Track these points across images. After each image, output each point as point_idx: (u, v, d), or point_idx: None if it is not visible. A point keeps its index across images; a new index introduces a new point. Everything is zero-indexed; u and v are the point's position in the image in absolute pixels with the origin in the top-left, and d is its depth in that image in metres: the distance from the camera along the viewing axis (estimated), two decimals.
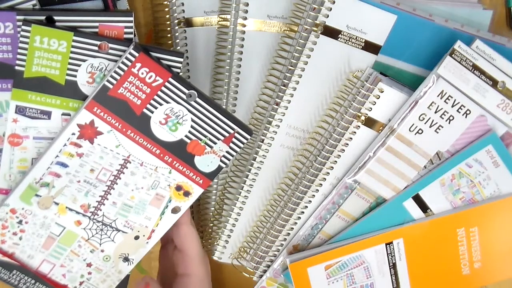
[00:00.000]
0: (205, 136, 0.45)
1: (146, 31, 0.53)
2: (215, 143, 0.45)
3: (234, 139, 0.45)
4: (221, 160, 0.46)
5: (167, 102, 0.43)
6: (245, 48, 0.51)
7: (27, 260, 0.47)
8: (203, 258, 0.48)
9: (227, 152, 0.45)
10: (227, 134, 0.45)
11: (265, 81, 0.52)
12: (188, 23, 0.51)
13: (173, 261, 0.49)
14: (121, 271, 0.49)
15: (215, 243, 0.57)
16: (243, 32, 0.51)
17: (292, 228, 0.54)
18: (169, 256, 0.50)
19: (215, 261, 0.57)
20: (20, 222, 0.46)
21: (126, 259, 0.48)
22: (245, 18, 0.50)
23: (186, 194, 0.46)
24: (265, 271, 0.56)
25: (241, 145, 0.45)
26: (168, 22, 0.51)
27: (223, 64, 0.51)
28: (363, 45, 0.49)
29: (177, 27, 0.51)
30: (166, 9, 0.50)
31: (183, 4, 0.51)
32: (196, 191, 0.46)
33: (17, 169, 0.45)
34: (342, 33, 0.48)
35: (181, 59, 0.44)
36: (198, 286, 0.47)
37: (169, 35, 0.51)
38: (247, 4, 0.50)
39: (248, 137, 0.45)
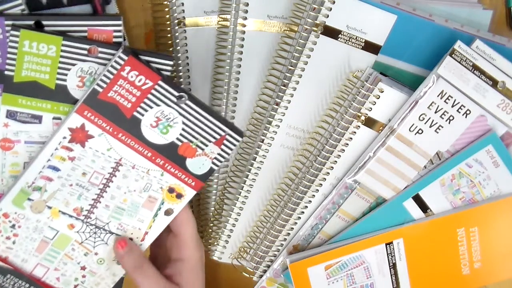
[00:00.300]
0: (196, 139, 0.45)
1: (146, 31, 0.53)
2: (206, 145, 0.45)
3: (225, 141, 0.45)
4: (212, 162, 0.46)
5: (157, 105, 0.43)
6: (245, 48, 0.51)
7: (21, 264, 0.47)
8: (198, 244, 0.48)
9: (219, 154, 0.45)
10: (218, 137, 0.45)
11: (265, 81, 0.52)
12: (188, 23, 0.51)
13: (166, 245, 0.49)
14: (115, 274, 0.48)
15: (215, 243, 0.57)
16: (243, 32, 0.51)
17: (292, 228, 0.54)
18: (162, 241, 0.50)
19: (215, 261, 0.57)
20: (13, 226, 0.46)
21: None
22: (245, 18, 0.50)
23: (179, 196, 0.46)
24: (265, 271, 0.56)
25: (233, 147, 0.45)
26: (168, 22, 0.51)
27: (223, 64, 0.51)
28: (363, 45, 0.49)
29: (177, 27, 0.51)
30: (166, 9, 0.50)
31: (183, 4, 0.51)
32: (189, 193, 0.46)
33: (9, 174, 0.45)
34: (342, 33, 0.48)
35: (171, 62, 0.44)
36: (191, 272, 0.47)
37: (169, 35, 0.51)
38: (247, 4, 0.50)
39: (240, 139, 0.45)
